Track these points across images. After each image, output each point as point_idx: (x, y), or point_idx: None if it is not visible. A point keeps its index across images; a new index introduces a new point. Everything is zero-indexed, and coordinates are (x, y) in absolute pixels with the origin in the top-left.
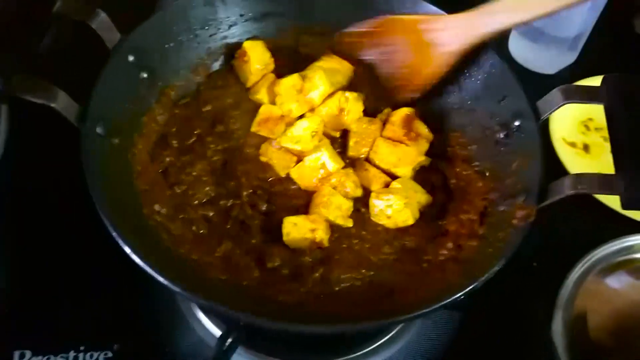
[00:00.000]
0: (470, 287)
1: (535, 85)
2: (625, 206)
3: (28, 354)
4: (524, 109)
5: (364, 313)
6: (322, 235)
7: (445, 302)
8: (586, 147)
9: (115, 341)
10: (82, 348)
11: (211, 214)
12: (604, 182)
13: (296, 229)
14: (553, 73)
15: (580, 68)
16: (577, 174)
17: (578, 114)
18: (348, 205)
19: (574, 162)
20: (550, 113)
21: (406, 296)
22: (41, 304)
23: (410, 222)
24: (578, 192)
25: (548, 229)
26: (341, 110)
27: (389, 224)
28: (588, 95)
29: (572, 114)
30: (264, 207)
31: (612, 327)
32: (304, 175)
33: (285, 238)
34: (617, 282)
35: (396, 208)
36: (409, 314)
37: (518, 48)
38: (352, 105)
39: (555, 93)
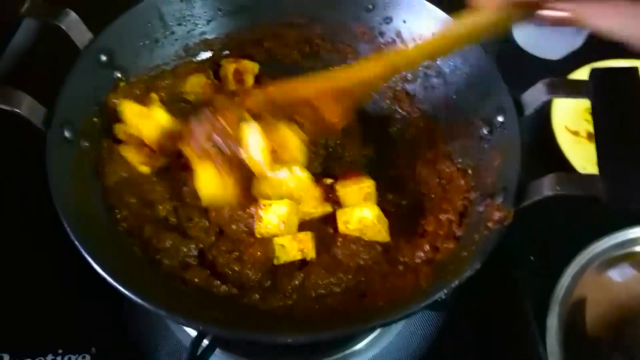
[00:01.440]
0: (437, 295)
1: (541, 72)
2: (608, 208)
3: (6, 357)
4: (507, 105)
5: (335, 319)
6: (309, 251)
7: (412, 310)
8: (590, 136)
9: (92, 344)
10: (59, 351)
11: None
12: (584, 183)
13: (284, 251)
14: (559, 59)
15: (586, 53)
16: (557, 174)
17: (583, 101)
18: (319, 194)
19: (576, 151)
20: (536, 108)
21: (376, 300)
22: (17, 307)
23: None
24: (557, 193)
25: (546, 221)
26: None
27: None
28: (573, 90)
29: (576, 102)
30: None
31: (611, 318)
32: None
33: (275, 262)
34: (620, 274)
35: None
36: (374, 322)
37: (523, 33)
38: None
39: (540, 87)
